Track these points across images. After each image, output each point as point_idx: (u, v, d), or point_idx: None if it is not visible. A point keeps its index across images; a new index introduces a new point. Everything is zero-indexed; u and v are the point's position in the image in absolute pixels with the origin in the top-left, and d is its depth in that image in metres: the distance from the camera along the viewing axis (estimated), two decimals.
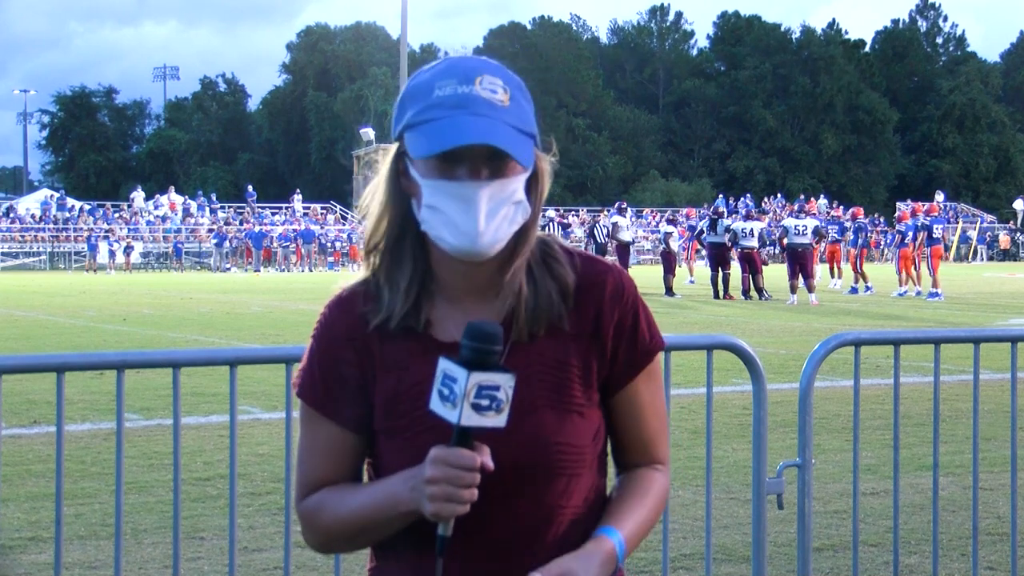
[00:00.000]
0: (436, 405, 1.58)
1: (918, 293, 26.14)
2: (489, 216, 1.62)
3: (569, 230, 45.85)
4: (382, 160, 1.74)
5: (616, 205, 29.51)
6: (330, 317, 1.78)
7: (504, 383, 1.56)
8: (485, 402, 1.55)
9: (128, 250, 48.42)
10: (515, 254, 1.70)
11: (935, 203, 46.06)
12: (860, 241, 29.27)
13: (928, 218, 26.67)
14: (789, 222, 25.04)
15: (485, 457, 1.59)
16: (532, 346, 1.71)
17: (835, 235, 30.73)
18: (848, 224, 32.62)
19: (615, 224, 27.50)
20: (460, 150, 1.61)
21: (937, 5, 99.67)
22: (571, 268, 1.75)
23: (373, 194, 1.75)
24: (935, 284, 24.98)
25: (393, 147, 1.72)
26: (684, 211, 38.60)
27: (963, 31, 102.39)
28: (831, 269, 30.67)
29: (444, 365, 1.58)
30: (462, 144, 1.59)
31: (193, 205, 58.54)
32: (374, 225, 1.74)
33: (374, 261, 1.75)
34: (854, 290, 27.17)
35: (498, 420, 1.56)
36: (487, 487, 1.60)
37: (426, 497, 1.58)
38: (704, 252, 29.63)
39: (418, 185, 1.67)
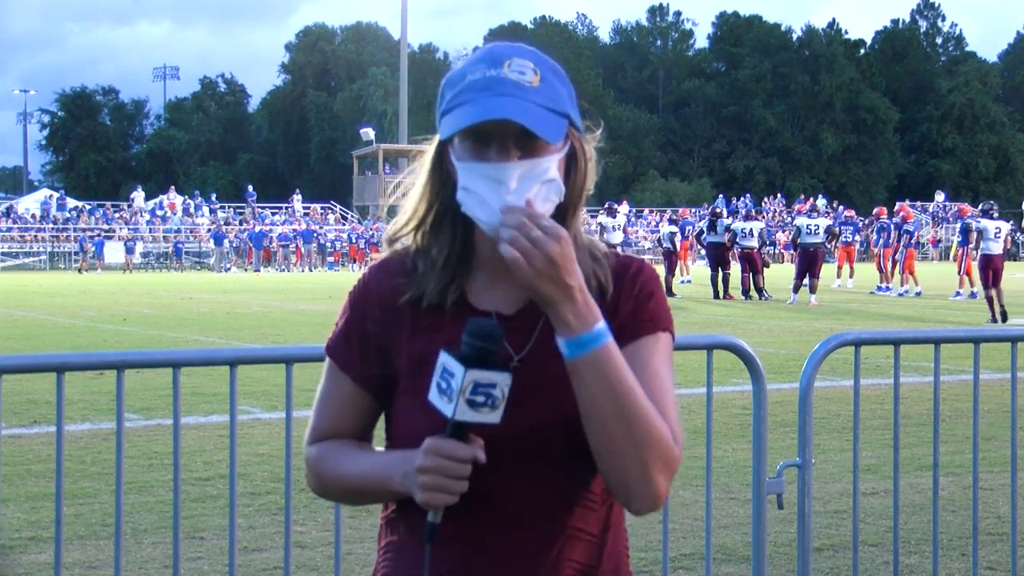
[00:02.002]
0: (434, 397, 1.61)
1: (918, 293, 26.21)
2: (518, 195, 1.65)
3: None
4: (427, 148, 1.80)
5: (606, 205, 29.01)
6: (368, 279, 1.83)
7: (501, 382, 1.57)
8: (480, 399, 1.57)
9: (130, 248, 48.35)
10: None
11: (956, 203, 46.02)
12: (882, 241, 29.18)
13: (965, 217, 26.60)
14: (801, 221, 24.91)
15: (478, 451, 1.61)
16: None
17: (849, 235, 30.78)
18: (861, 224, 32.46)
19: (600, 225, 26.86)
20: (489, 131, 1.65)
21: (936, 5, 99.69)
22: (607, 263, 1.80)
23: (416, 174, 1.80)
24: (971, 283, 24.98)
25: (436, 136, 1.78)
26: (679, 211, 38.60)
27: (961, 31, 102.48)
28: (839, 269, 30.71)
29: (444, 359, 1.60)
30: (480, 120, 1.63)
31: (192, 205, 58.56)
32: (415, 206, 1.79)
33: (418, 238, 1.80)
34: (888, 289, 27.14)
35: (492, 416, 1.58)
36: (506, 457, 1.63)
37: (417, 485, 1.62)
38: (703, 252, 29.62)
39: (456, 169, 1.72)
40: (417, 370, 1.74)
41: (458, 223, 1.75)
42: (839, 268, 30.83)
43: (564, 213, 1.73)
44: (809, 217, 25.20)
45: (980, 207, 21.90)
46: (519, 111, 1.64)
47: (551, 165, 1.68)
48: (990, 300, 18.69)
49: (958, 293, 24.96)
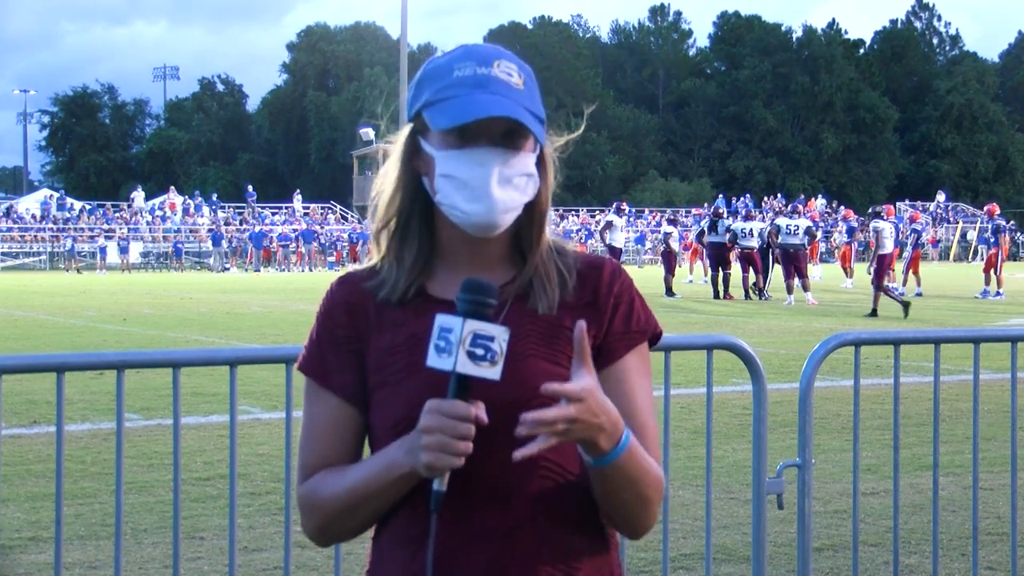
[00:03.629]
0: (432, 359, 1.59)
1: (918, 294, 26.22)
2: (502, 182, 1.68)
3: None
4: (394, 143, 1.79)
5: (614, 205, 28.91)
6: (332, 291, 1.83)
7: (499, 335, 1.58)
8: (480, 351, 1.57)
9: (123, 247, 48.32)
10: (532, 229, 1.76)
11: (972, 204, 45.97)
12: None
13: (997, 217, 26.51)
14: (782, 221, 24.80)
15: (480, 411, 1.59)
16: (528, 311, 1.75)
17: (846, 236, 30.66)
18: (856, 225, 32.40)
19: (609, 223, 26.68)
20: (477, 127, 1.67)
21: (931, 6, 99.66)
22: (574, 258, 1.82)
23: (385, 175, 1.80)
24: (999, 283, 25.05)
25: (405, 128, 1.77)
26: (694, 211, 38.67)
27: (958, 31, 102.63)
28: (844, 269, 30.72)
29: (440, 319, 1.60)
30: (486, 116, 1.65)
31: (192, 205, 58.57)
32: (386, 204, 1.79)
33: (383, 240, 1.80)
34: (893, 289, 27.11)
35: (492, 372, 1.58)
36: (479, 433, 1.60)
37: (421, 447, 1.58)
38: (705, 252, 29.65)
39: (432, 159, 1.72)
40: (384, 361, 1.74)
41: (424, 221, 1.77)
42: (843, 268, 30.85)
43: (534, 218, 1.76)
44: (789, 217, 25.02)
45: (871, 210, 24.52)
46: (516, 111, 1.67)
47: (530, 161, 1.72)
48: (885, 293, 20.25)
49: (998, 293, 24.89)
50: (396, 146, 1.79)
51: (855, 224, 34.05)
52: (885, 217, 22.30)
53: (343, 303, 1.79)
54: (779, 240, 23.94)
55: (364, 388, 1.77)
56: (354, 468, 1.74)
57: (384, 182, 1.80)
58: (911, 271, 26.72)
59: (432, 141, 1.72)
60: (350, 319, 1.78)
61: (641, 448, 1.69)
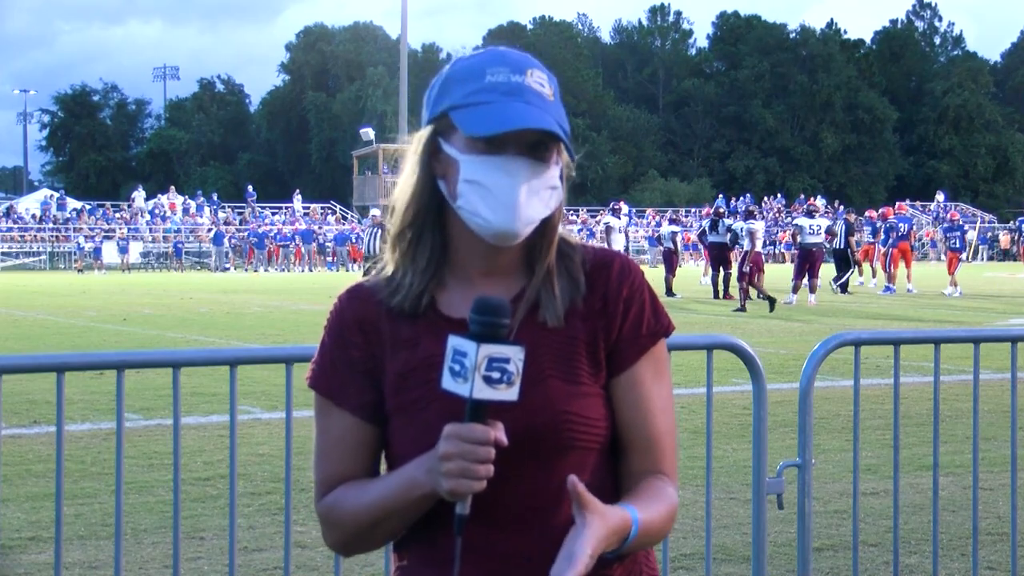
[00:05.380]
0: (448, 382, 1.58)
1: (910, 290, 26.29)
2: (530, 193, 1.66)
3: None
4: (412, 145, 1.75)
5: (610, 206, 28.93)
6: (341, 306, 1.80)
7: (514, 355, 1.56)
8: (496, 375, 1.55)
9: (122, 247, 48.29)
10: (543, 241, 1.74)
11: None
12: (890, 241, 29.09)
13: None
14: (803, 221, 24.71)
15: (499, 432, 1.58)
16: (540, 324, 1.73)
17: (869, 236, 30.74)
18: (879, 224, 32.40)
19: (608, 226, 26.48)
20: (507, 136, 1.64)
21: (933, 5, 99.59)
22: (581, 258, 1.79)
23: (404, 177, 1.77)
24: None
25: (425, 130, 1.73)
26: (703, 211, 38.68)
27: (960, 31, 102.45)
28: (860, 269, 30.76)
29: (454, 341, 1.58)
30: (525, 127, 1.63)
31: (193, 205, 58.57)
32: (404, 207, 1.76)
33: (400, 244, 1.76)
34: (889, 289, 27.09)
35: (510, 393, 1.56)
36: (501, 459, 1.59)
37: (441, 474, 1.57)
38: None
39: (455, 162, 1.68)
40: (401, 385, 1.72)
41: (437, 224, 1.74)
42: (859, 268, 30.88)
43: (547, 231, 1.73)
44: (810, 217, 24.99)
45: (743, 209, 27.15)
46: (553, 125, 1.65)
47: (556, 173, 1.70)
48: (752, 288, 21.66)
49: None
50: (414, 146, 1.74)
51: (879, 224, 34.10)
52: (757, 218, 24.04)
53: (354, 321, 1.77)
54: (800, 240, 24.01)
55: (381, 407, 1.75)
56: (374, 484, 1.72)
57: (403, 184, 1.76)
58: (950, 272, 26.53)
59: (456, 144, 1.68)
60: (364, 338, 1.76)
61: (650, 512, 1.67)
